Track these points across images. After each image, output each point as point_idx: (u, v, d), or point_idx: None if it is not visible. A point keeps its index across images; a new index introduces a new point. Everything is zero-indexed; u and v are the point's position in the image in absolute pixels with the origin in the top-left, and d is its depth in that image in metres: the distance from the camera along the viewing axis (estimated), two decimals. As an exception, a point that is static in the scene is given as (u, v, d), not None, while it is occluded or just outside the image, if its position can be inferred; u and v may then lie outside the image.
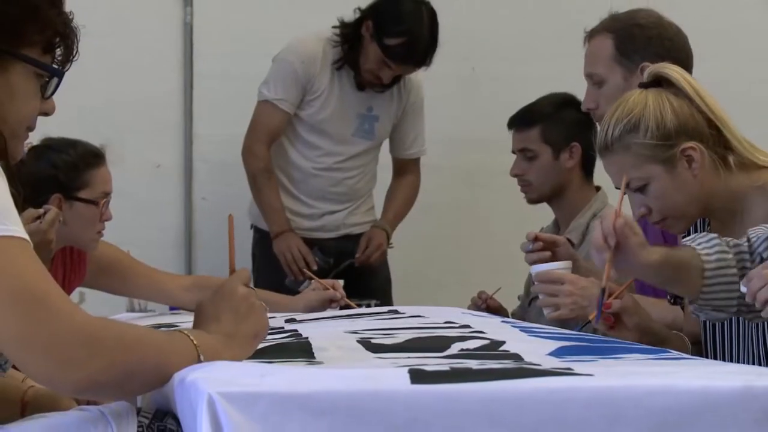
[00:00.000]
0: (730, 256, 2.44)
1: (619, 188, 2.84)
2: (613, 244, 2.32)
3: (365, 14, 4.47)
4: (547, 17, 5.14)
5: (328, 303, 3.71)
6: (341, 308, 3.69)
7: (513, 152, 4.11)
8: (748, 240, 2.47)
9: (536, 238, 3.33)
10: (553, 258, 3.26)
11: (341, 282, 3.83)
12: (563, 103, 4.03)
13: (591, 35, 3.51)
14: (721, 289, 2.43)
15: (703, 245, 2.44)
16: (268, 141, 4.56)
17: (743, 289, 2.21)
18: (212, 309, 1.95)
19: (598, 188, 4.06)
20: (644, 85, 2.77)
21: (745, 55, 5.26)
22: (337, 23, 4.52)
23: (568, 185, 4.00)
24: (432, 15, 4.46)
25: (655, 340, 2.72)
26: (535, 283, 3.04)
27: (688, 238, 2.50)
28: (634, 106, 2.70)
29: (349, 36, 4.49)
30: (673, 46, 3.38)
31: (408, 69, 4.50)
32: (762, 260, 2.44)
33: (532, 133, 4.04)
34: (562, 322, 3.48)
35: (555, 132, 4.02)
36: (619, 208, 2.43)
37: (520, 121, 4.10)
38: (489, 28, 5.15)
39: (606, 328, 2.71)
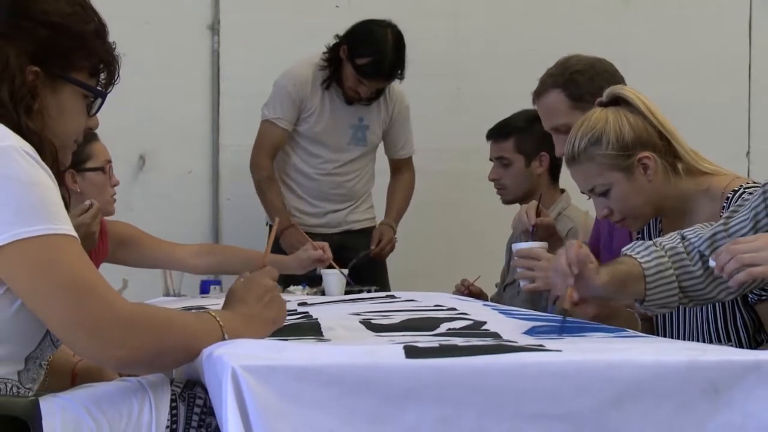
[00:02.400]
0: (666, 259, 2.44)
1: (584, 193, 2.85)
2: (577, 272, 2.31)
3: (341, 40, 4.48)
4: (523, 42, 5.13)
5: (317, 262, 3.82)
6: (329, 267, 3.81)
7: (490, 159, 4.13)
8: (683, 239, 2.47)
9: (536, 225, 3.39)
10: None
11: (327, 244, 3.90)
12: (534, 118, 4.01)
13: (539, 95, 3.46)
14: (662, 289, 2.43)
15: (642, 254, 2.44)
16: (270, 154, 4.58)
17: (712, 263, 2.20)
18: (241, 293, 1.96)
19: (562, 191, 4.08)
20: (603, 104, 2.77)
21: (697, 77, 5.26)
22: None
23: (537, 188, 4.00)
24: (397, 37, 4.45)
25: (610, 312, 2.73)
26: (515, 258, 3.03)
27: (627, 247, 2.50)
28: (596, 123, 2.71)
29: (332, 59, 4.50)
30: (610, 76, 3.35)
31: (379, 84, 4.50)
32: (701, 256, 2.44)
33: (507, 144, 4.07)
34: (534, 302, 3.50)
35: (527, 143, 4.04)
36: (579, 241, 2.43)
37: (497, 133, 4.13)
38: (473, 53, 5.14)
39: (571, 306, 2.72)
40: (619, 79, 3.35)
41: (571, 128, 3.32)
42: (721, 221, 2.46)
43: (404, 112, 4.69)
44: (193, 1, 5.00)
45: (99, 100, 1.97)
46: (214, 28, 5.02)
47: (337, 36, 4.49)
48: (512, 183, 4.07)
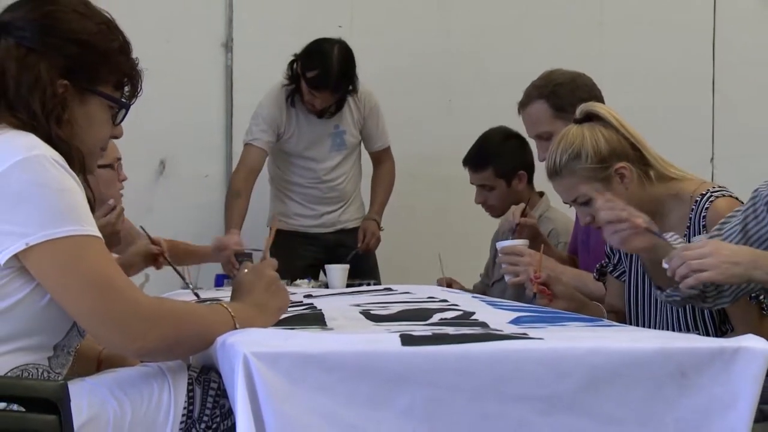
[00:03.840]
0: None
1: (566, 203, 2.85)
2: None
3: (296, 57, 4.48)
4: (509, 59, 5.13)
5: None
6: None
7: (472, 183, 4.09)
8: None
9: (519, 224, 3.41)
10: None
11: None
12: (504, 138, 3.99)
13: (524, 105, 3.48)
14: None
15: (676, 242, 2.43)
16: (244, 173, 4.53)
17: (665, 266, 2.19)
18: (248, 284, 1.95)
19: (541, 194, 4.06)
20: (578, 121, 2.77)
21: (665, 90, 5.26)
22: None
23: (521, 200, 3.99)
24: (344, 52, 4.42)
25: (579, 305, 2.73)
26: (500, 255, 3.03)
27: (668, 234, 2.47)
28: (574, 139, 2.71)
29: (291, 76, 4.49)
30: (588, 89, 3.37)
31: (327, 95, 4.46)
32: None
33: (486, 173, 4.02)
34: (518, 294, 3.49)
35: (505, 167, 3.98)
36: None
37: (475, 164, 4.06)
38: (463, 68, 5.13)
39: (546, 302, 2.72)
40: (596, 92, 3.36)
41: (552, 135, 3.34)
42: (717, 227, 2.45)
43: (375, 109, 4.65)
44: (209, 21, 5.00)
45: (123, 111, 1.97)
46: (228, 46, 5.02)
47: (294, 54, 4.48)
48: (498, 202, 4.04)
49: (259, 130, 4.53)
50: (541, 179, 3.45)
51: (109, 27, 1.92)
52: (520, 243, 3.07)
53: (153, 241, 3.39)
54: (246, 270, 2.01)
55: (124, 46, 1.94)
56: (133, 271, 3.38)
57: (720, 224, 2.45)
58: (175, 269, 3.32)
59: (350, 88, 4.48)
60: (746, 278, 2.11)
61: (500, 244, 3.07)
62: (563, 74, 3.47)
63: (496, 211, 4.10)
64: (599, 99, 3.29)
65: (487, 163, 4.01)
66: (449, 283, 3.84)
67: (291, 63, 4.47)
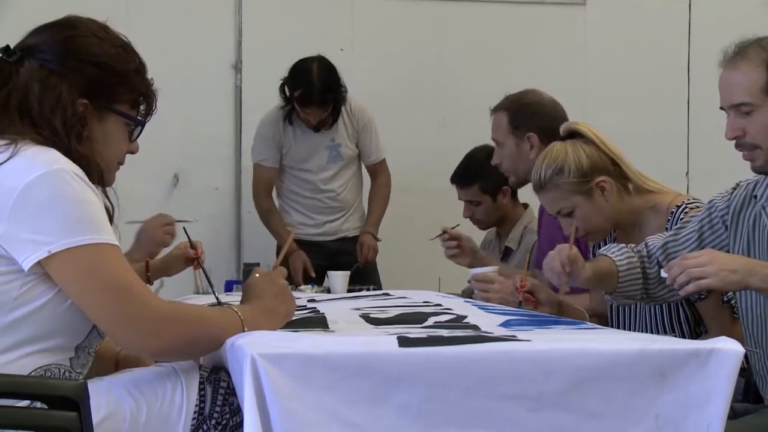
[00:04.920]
0: (635, 258, 2.43)
1: (551, 215, 2.85)
2: (569, 270, 2.30)
3: (284, 80, 4.47)
4: (498, 78, 5.10)
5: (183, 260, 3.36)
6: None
7: (460, 199, 4.07)
8: (646, 246, 2.47)
9: (445, 232, 3.51)
10: (460, 248, 3.47)
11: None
12: (488, 156, 3.92)
13: (494, 110, 3.52)
14: (630, 284, 2.42)
15: (616, 253, 2.44)
16: (264, 190, 4.60)
17: (664, 274, 2.19)
18: (257, 289, 1.94)
19: (525, 205, 4.05)
20: (561, 138, 2.78)
21: (644, 108, 5.26)
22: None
23: (506, 213, 3.99)
24: (324, 68, 4.40)
25: (562, 310, 2.73)
26: (473, 281, 3.04)
27: (603, 249, 2.49)
28: (558, 155, 2.72)
29: (285, 97, 4.49)
30: (550, 118, 3.37)
31: (314, 111, 4.43)
32: (658, 261, 2.43)
33: (473, 189, 4.01)
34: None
35: (490, 184, 3.95)
36: (571, 241, 2.41)
37: (462, 181, 4.06)
38: (455, 88, 5.13)
39: (531, 308, 2.72)
40: (557, 123, 3.28)
41: (503, 145, 3.37)
42: (672, 232, 2.46)
43: (368, 124, 4.62)
44: (220, 45, 5.00)
45: (139, 128, 1.97)
46: (237, 68, 5.02)
47: (282, 78, 4.48)
48: (484, 216, 4.03)
49: (263, 150, 4.55)
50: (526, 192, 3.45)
51: (126, 50, 1.92)
52: (490, 270, 3.09)
53: (192, 245, 3.32)
54: (257, 275, 2.00)
55: (140, 68, 1.94)
56: (173, 271, 3.36)
57: (676, 230, 2.45)
58: (206, 275, 3.25)
59: (338, 98, 4.46)
60: (743, 285, 2.10)
61: (472, 272, 3.09)
62: (534, 96, 3.51)
63: (483, 225, 4.09)
64: (557, 130, 3.16)
65: (473, 180, 4.00)
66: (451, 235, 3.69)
67: (281, 86, 4.47)
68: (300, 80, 4.39)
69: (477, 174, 3.99)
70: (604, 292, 2.50)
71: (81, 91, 1.84)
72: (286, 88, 4.46)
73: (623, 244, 2.48)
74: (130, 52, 1.93)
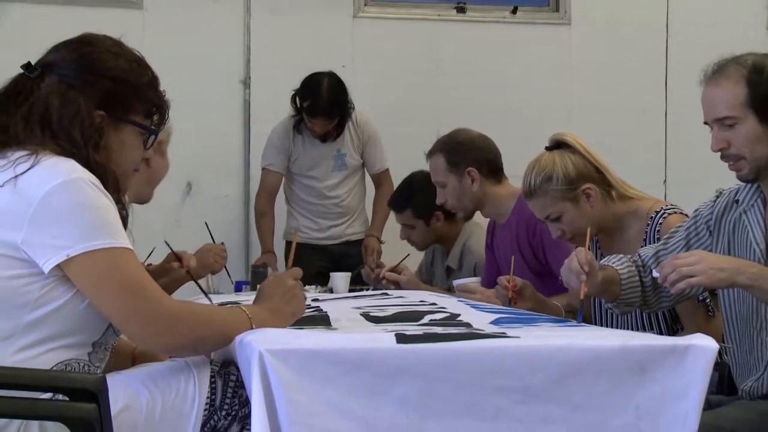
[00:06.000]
0: (633, 268, 2.42)
1: (540, 219, 2.84)
2: (587, 270, 2.28)
3: (296, 91, 4.49)
4: (489, 94, 5.14)
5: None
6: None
7: (397, 222, 4.04)
8: (639, 256, 2.46)
9: (384, 275, 3.58)
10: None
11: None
12: (423, 181, 3.89)
13: (429, 154, 3.54)
14: (631, 293, 2.41)
15: (616, 263, 2.43)
16: (266, 194, 4.60)
17: (656, 274, 2.18)
18: (268, 290, 1.93)
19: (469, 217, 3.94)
20: (549, 148, 2.78)
21: (625, 121, 5.27)
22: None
23: (441, 234, 3.94)
24: (332, 82, 4.42)
25: (542, 306, 2.75)
26: (456, 292, 3.04)
27: (604, 260, 2.47)
28: (546, 164, 2.72)
29: (295, 108, 4.51)
30: (483, 151, 3.45)
31: (322, 121, 4.45)
32: (651, 269, 2.42)
33: (406, 214, 3.97)
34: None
35: (422, 209, 3.90)
36: (587, 246, 2.39)
37: (395, 206, 4.04)
38: (450, 102, 5.13)
39: (512, 304, 2.72)
40: (491, 157, 3.44)
41: (446, 185, 3.39)
42: (662, 241, 2.45)
43: (373, 135, 4.63)
44: (230, 62, 5.00)
45: (153, 137, 1.96)
46: (246, 83, 5.02)
47: (294, 89, 4.49)
48: (419, 239, 3.98)
49: (272, 156, 4.55)
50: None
51: (139, 64, 1.92)
52: (472, 281, 3.10)
53: (177, 256, 3.07)
54: (271, 277, 2.00)
55: (153, 81, 1.93)
56: (174, 287, 3.00)
57: (665, 239, 2.45)
58: (197, 283, 3.03)
59: (344, 112, 4.46)
60: (730, 283, 2.10)
61: (456, 282, 3.11)
62: (466, 134, 3.53)
63: (419, 246, 4.04)
64: (493, 159, 3.43)
65: (406, 205, 3.97)
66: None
67: (293, 97, 4.49)
68: (310, 92, 4.41)
69: (410, 200, 3.96)
70: (606, 301, 2.48)
71: (98, 104, 1.84)
72: (297, 99, 4.47)
73: (622, 255, 2.47)
74: (144, 66, 1.92)
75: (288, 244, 4.63)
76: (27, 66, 1.87)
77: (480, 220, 3.72)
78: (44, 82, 1.84)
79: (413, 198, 3.95)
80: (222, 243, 3.35)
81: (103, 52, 1.87)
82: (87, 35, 1.91)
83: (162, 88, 1.95)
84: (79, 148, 1.80)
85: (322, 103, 4.39)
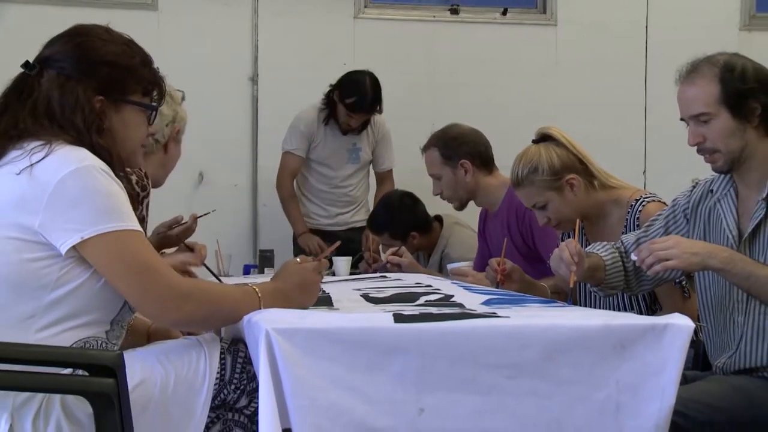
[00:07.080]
0: (616, 254, 2.42)
1: (528, 208, 2.83)
2: (578, 260, 2.27)
3: (334, 87, 4.50)
4: (480, 91, 5.13)
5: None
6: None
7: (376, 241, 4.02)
8: (622, 242, 2.46)
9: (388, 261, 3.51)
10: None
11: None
12: (399, 202, 3.92)
13: (425, 148, 3.54)
14: (614, 277, 2.40)
15: (601, 250, 2.42)
16: (290, 176, 4.60)
17: (634, 257, 2.18)
18: (287, 273, 1.91)
19: (439, 221, 3.97)
20: (536, 141, 2.77)
21: (608, 116, 5.26)
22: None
23: (420, 245, 3.93)
24: (374, 81, 4.46)
25: (528, 286, 2.74)
26: (450, 275, 3.03)
27: (589, 247, 2.47)
28: (533, 156, 2.72)
29: (328, 102, 4.52)
30: (475, 144, 3.45)
31: (363, 116, 4.50)
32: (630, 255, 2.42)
33: (384, 237, 3.96)
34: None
35: (399, 230, 3.91)
36: (576, 238, 2.38)
37: (374, 229, 4.01)
38: (443, 99, 5.12)
39: (500, 284, 2.71)
40: (481, 147, 3.45)
41: (441, 177, 3.37)
42: (643, 228, 2.45)
43: (386, 135, 4.68)
44: (238, 59, 4.98)
45: (154, 113, 1.94)
46: (254, 80, 5.01)
47: (331, 85, 4.51)
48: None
49: (297, 140, 4.55)
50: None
51: (129, 46, 1.89)
52: (465, 264, 3.11)
53: (188, 247, 2.89)
54: (297, 260, 1.97)
55: (145, 59, 1.90)
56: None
57: (645, 227, 2.45)
58: (208, 269, 2.95)
59: (380, 110, 4.51)
60: (703, 266, 2.10)
61: (450, 266, 3.12)
62: (458, 129, 3.52)
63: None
64: (485, 151, 3.43)
65: (384, 229, 3.96)
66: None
67: (328, 93, 4.51)
68: (354, 89, 4.43)
69: (387, 224, 3.95)
70: (591, 285, 2.47)
71: (96, 90, 1.82)
72: (334, 94, 4.48)
73: (606, 242, 2.46)
74: (134, 47, 1.90)
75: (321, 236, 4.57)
76: (26, 65, 1.85)
77: (469, 215, 3.71)
78: (44, 77, 1.83)
79: (392, 221, 3.95)
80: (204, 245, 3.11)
81: (94, 40, 1.85)
82: (78, 26, 1.89)
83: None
84: (83, 134, 1.79)
85: (368, 101, 4.44)
